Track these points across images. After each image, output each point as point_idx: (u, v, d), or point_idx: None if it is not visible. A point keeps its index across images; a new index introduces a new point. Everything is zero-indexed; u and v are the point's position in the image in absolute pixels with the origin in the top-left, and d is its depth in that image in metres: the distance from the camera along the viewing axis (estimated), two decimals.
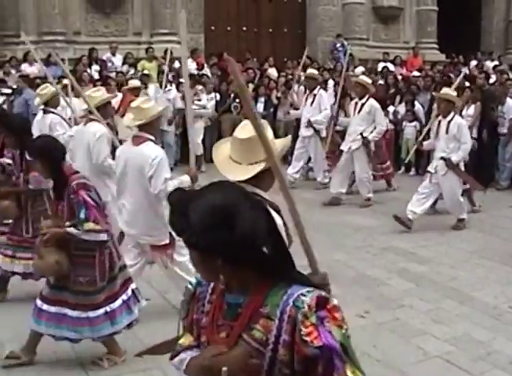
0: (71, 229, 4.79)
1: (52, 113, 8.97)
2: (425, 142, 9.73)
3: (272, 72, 17.52)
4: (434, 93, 10.20)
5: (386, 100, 14.04)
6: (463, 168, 9.41)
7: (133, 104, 6.07)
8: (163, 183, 5.71)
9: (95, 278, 4.91)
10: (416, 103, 14.01)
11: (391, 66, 18.54)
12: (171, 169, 12.77)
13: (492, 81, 15.56)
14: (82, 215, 4.75)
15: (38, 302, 5.04)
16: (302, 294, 1.99)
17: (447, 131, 9.14)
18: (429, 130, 9.86)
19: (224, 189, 2.04)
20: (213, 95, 15.10)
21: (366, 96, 10.75)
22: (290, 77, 16.26)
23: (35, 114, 12.49)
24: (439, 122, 9.30)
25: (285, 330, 1.99)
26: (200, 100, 13.52)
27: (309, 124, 11.92)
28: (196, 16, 18.47)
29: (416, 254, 8.20)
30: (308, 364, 1.97)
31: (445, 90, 9.48)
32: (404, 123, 13.91)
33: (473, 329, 5.92)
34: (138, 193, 5.88)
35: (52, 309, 4.96)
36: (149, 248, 6.05)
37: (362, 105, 10.71)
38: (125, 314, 5.06)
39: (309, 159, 12.55)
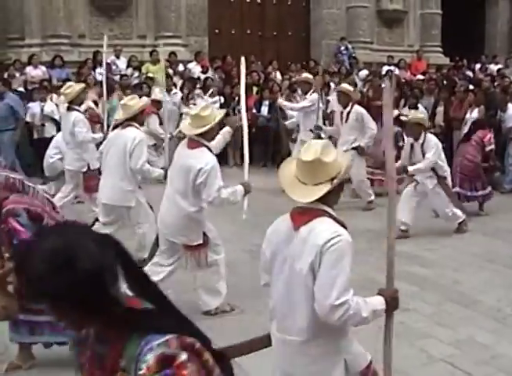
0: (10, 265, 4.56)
1: (77, 110, 9.40)
2: (399, 163, 9.10)
3: (276, 75, 17.53)
4: (402, 118, 10.30)
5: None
6: (449, 182, 9.45)
7: (192, 111, 6.22)
8: (217, 191, 5.80)
9: None
10: (419, 106, 13.99)
11: (395, 70, 18.52)
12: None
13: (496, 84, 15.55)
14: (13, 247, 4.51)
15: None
16: (150, 349, 1.86)
17: (423, 155, 9.09)
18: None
19: (60, 231, 1.92)
20: (217, 98, 15.12)
21: (350, 104, 10.81)
22: (294, 80, 16.24)
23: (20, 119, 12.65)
24: (412, 145, 9.24)
25: None
26: (195, 104, 13.49)
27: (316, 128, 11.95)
28: (200, 19, 18.50)
29: (420, 258, 8.19)
30: None
31: (414, 113, 9.46)
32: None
33: (477, 332, 5.91)
34: (178, 194, 6.00)
35: (22, 316, 4.85)
36: (182, 248, 6.16)
37: (348, 113, 10.75)
38: None
39: None
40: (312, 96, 11.83)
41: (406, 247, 8.60)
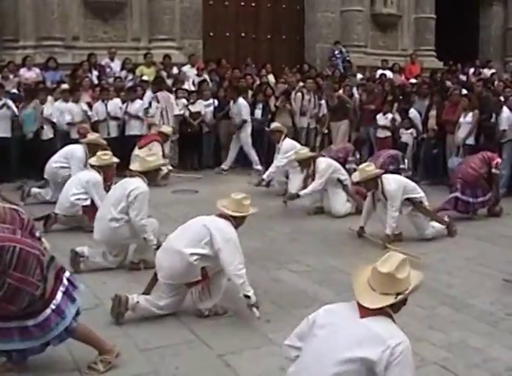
0: None
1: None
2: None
3: (270, 78, 17.55)
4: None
5: (383, 107, 14.14)
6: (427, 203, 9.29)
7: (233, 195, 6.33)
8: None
9: (33, 291, 4.64)
10: (413, 110, 14.05)
11: (389, 74, 18.57)
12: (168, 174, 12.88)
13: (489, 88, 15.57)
14: None
15: None
16: None
17: (386, 199, 8.93)
18: None
19: None
20: (211, 101, 15.13)
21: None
22: (288, 85, 16.27)
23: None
24: (373, 194, 9.09)
25: None
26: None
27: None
28: (194, 22, 18.50)
29: (413, 261, 8.19)
30: None
31: (363, 167, 9.13)
32: (401, 130, 13.95)
33: (469, 336, 5.92)
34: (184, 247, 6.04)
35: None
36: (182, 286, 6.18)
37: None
38: (70, 304, 4.88)
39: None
40: (284, 147, 12.04)
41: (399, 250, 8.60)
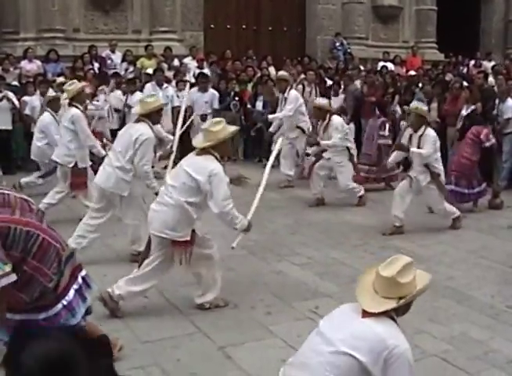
0: None
1: (76, 107, 9.30)
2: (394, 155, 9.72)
3: (271, 71, 17.52)
4: (405, 107, 10.27)
5: (384, 99, 14.08)
6: (443, 179, 9.39)
7: (204, 125, 6.29)
8: (223, 200, 5.85)
9: (46, 282, 4.65)
10: (414, 101, 14.00)
11: (390, 66, 18.54)
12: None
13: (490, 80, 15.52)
14: None
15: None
16: None
17: (419, 146, 9.09)
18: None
19: (60, 339, 1.94)
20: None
21: (327, 117, 10.88)
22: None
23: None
24: (411, 136, 9.24)
25: None
26: (98, 101, 13.28)
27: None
28: (195, 14, 18.47)
29: (414, 254, 8.18)
30: None
31: (415, 104, 9.46)
32: (402, 123, 13.91)
33: (470, 328, 5.93)
34: (178, 194, 5.99)
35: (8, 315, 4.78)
36: (169, 244, 6.08)
37: (326, 125, 10.82)
38: (81, 303, 4.87)
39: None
40: (291, 97, 12.08)
41: (400, 242, 8.62)
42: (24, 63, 15.51)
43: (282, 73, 13.08)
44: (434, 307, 6.41)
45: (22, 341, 1.89)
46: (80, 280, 4.86)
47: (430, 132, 9.14)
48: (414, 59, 20.12)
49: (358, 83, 15.61)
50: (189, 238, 6.04)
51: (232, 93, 14.95)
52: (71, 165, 9.37)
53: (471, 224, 9.63)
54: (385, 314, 3.59)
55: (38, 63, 15.65)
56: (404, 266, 3.62)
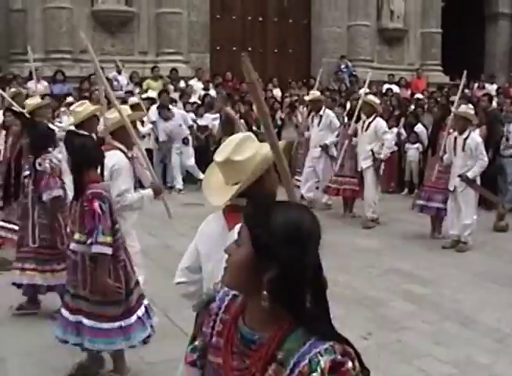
0: (75, 246, 4.81)
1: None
2: (445, 157, 9.64)
3: (277, 92, 17.61)
4: (453, 109, 10.21)
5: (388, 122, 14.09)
6: (479, 183, 9.46)
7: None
8: (118, 194, 5.58)
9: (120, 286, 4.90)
10: (419, 124, 14.05)
11: (395, 88, 18.61)
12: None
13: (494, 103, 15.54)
14: (89, 226, 4.72)
15: (63, 311, 5.07)
16: (320, 353, 1.88)
17: (463, 149, 9.17)
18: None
19: (305, 211, 1.99)
20: (218, 115, 15.16)
21: (373, 115, 10.88)
22: (296, 98, 16.32)
23: None
24: (455, 139, 9.32)
25: None
26: (60, 122, 12.71)
27: (322, 146, 12.06)
28: (201, 36, 18.63)
29: (419, 276, 8.19)
30: None
31: (463, 108, 9.56)
32: (407, 145, 13.95)
33: (475, 352, 5.90)
34: None
35: (71, 317, 4.97)
36: None
37: (369, 123, 10.80)
38: (140, 330, 5.03)
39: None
40: (330, 117, 12.27)
41: (405, 265, 8.60)
42: (31, 84, 15.60)
43: (315, 93, 13.07)
44: (438, 330, 6.39)
45: (265, 208, 1.97)
46: (143, 308, 5.08)
47: (477, 138, 9.24)
48: (419, 82, 20.20)
49: None
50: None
51: (238, 115, 14.99)
52: None
53: (476, 246, 9.60)
54: None
55: (45, 83, 15.76)
56: (238, 143, 3.10)
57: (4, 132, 9.25)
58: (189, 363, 2.21)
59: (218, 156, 3.11)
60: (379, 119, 10.96)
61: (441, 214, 9.97)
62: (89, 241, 4.70)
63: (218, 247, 2.93)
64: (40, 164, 6.23)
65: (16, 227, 7.15)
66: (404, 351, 5.84)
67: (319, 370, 1.85)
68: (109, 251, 4.76)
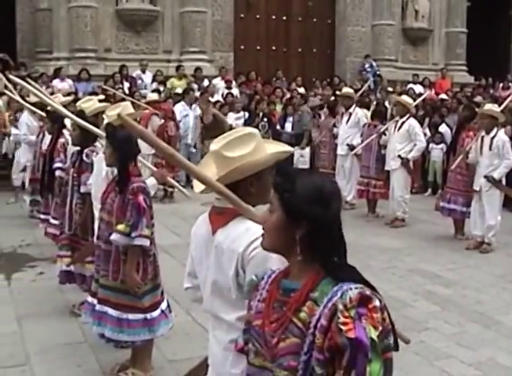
0: (117, 237, 4.86)
1: None
2: (470, 155, 9.56)
3: (301, 92, 17.60)
4: (477, 109, 10.13)
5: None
6: (504, 183, 9.40)
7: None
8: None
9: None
10: (443, 125, 13.97)
11: (419, 88, 18.52)
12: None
13: None
14: (134, 219, 4.80)
15: (90, 299, 5.21)
16: (350, 289, 2.06)
17: (490, 148, 9.13)
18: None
19: (324, 176, 2.27)
20: (241, 113, 15.19)
21: (407, 115, 10.86)
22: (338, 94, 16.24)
23: None
24: (482, 138, 9.26)
25: (325, 315, 2.05)
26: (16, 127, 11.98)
27: (349, 146, 12.04)
28: (225, 35, 18.66)
29: (442, 277, 8.16)
30: (334, 354, 2.03)
31: (488, 106, 9.50)
32: (431, 145, 13.87)
33: (498, 354, 5.86)
34: None
35: (98, 306, 5.06)
36: None
37: (402, 123, 10.78)
38: (163, 323, 5.09)
39: None
40: (358, 115, 12.28)
41: (428, 266, 8.57)
42: (56, 82, 15.74)
43: (347, 90, 13.10)
44: (461, 332, 6.36)
45: (294, 171, 2.25)
46: (166, 302, 5.18)
47: (504, 137, 9.22)
48: (443, 82, 20.08)
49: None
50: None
51: (261, 114, 15.01)
52: None
53: (500, 248, 9.54)
54: (230, 214, 2.95)
55: (70, 82, 15.89)
56: (236, 138, 2.96)
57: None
58: (238, 350, 2.43)
59: (212, 145, 3.00)
60: (412, 119, 10.93)
61: (463, 216, 9.91)
62: (134, 234, 4.78)
63: (206, 253, 3.01)
64: (87, 156, 6.28)
65: (53, 220, 7.35)
66: (426, 352, 5.82)
67: (347, 298, 2.03)
68: (147, 243, 4.88)
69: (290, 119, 15.05)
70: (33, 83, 6.04)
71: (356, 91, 16.76)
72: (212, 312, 3.11)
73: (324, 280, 2.15)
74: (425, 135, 13.94)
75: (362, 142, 11.62)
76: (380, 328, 2.04)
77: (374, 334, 2.01)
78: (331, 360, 2.04)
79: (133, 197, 4.81)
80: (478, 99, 16.36)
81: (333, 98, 15.58)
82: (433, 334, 6.28)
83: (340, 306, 2.02)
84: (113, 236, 4.85)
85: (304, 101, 15.81)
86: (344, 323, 2.00)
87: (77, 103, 7.61)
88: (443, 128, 13.88)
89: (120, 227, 4.81)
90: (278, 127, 15.06)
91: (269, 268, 2.60)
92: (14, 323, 6.25)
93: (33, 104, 9.52)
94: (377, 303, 2.06)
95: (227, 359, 2.98)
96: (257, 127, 14.60)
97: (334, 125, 13.14)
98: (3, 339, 5.44)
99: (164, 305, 5.14)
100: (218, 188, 2.79)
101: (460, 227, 10.09)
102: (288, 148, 3.11)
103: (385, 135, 11.23)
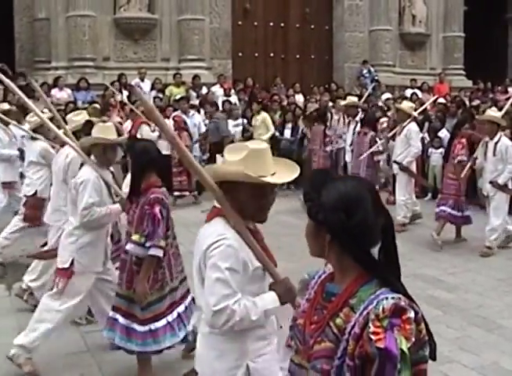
0: (132, 247, 4.91)
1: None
2: (477, 161, 9.60)
3: (299, 98, 17.62)
4: (477, 116, 10.15)
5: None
6: (510, 187, 9.40)
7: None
8: (85, 208, 5.34)
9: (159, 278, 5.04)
10: (443, 129, 13.98)
11: (418, 93, 18.54)
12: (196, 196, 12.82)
13: None
14: (149, 230, 4.86)
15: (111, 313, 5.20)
16: (386, 298, 2.11)
17: (494, 153, 9.15)
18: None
19: (355, 182, 2.28)
20: (240, 121, 15.19)
21: (408, 120, 10.90)
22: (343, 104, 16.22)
23: None
24: (486, 144, 9.28)
25: (359, 323, 2.11)
26: None
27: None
28: (223, 42, 18.70)
29: (444, 282, 8.15)
30: (365, 362, 2.07)
31: (488, 112, 9.51)
32: (430, 150, 13.87)
33: (501, 357, 5.86)
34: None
35: (111, 313, 5.15)
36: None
37: (403, 127, 10.86)
38: (169, 335, 5.08)
39: None
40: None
41: (430, 270, 8.57)
42: (55, 91, 15.75)
43: (351, 98, 13.17)
44: (464, 336, 6.36)
45: (322, 180, 2.31)
46: (175, 314, 5.15)
47: (506, 141, 9.23)
48: (441, 86, 20.09)
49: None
50: (66, 266, 5.50)
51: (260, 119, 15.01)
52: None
53: (501, 252, 9.54)
54: (221, 211, 3.21)
55: (69, 91, 15.90)
56: (247, 149, 3.14)
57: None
58: (287, 346, 2.53)
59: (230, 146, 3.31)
60: (412, 124, 10.95)
61: (455, 219, 9.90)
62: (149, 244, 4.83)
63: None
64: None
65: None
66: None
67: (380, 308, 2.07)
68: (161, 254, 4.91)
69: (289, 126, 15.06)
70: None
71: (359, 98, 16.82)
72: (200, 304, 3.27)
73: (366, 284, 2.21)
74: (424, 139, 13.98)
75: (353, 151, 11.94)
76: (413, 340, 2.10)
77: (405, 346, 2.05)
78: (361, 368, 2.09)
79: (149, 208, 4.87)
80: (476, 102, 16.37)
81: (331, 104, 15.63)
82: (435, 338, 6.26)
83: (372, 316, 2.07)
84: (128, 246, 4.92)
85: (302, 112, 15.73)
86: (375, 333, 2.05)
87: (68, 116, 7.28)
88: (443, 133, 13.88)
89: (135, 237, 4.88)
90: (277, 134, 15.05)
91: (223, 269, 3.00)
92: (16, 333, 6.24)
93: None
94: (412, 315, 2.11)
95: (205, 348, 3.27)
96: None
97: (324, 132, 13.02)
98: (5, 349, 5.43)
99: (171, 317, 5.10)
100: (210, 186, 3.07)
101: (458, 231, 10.12)
102: (274, 180, 3.16)
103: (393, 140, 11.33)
